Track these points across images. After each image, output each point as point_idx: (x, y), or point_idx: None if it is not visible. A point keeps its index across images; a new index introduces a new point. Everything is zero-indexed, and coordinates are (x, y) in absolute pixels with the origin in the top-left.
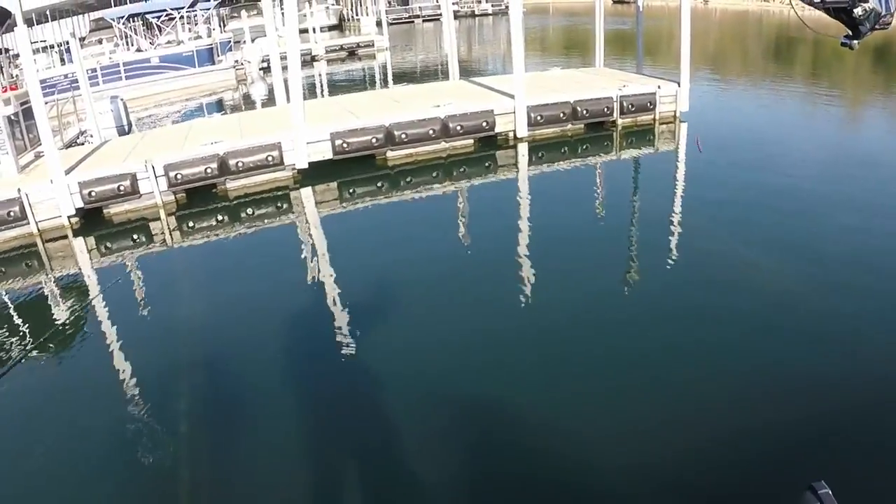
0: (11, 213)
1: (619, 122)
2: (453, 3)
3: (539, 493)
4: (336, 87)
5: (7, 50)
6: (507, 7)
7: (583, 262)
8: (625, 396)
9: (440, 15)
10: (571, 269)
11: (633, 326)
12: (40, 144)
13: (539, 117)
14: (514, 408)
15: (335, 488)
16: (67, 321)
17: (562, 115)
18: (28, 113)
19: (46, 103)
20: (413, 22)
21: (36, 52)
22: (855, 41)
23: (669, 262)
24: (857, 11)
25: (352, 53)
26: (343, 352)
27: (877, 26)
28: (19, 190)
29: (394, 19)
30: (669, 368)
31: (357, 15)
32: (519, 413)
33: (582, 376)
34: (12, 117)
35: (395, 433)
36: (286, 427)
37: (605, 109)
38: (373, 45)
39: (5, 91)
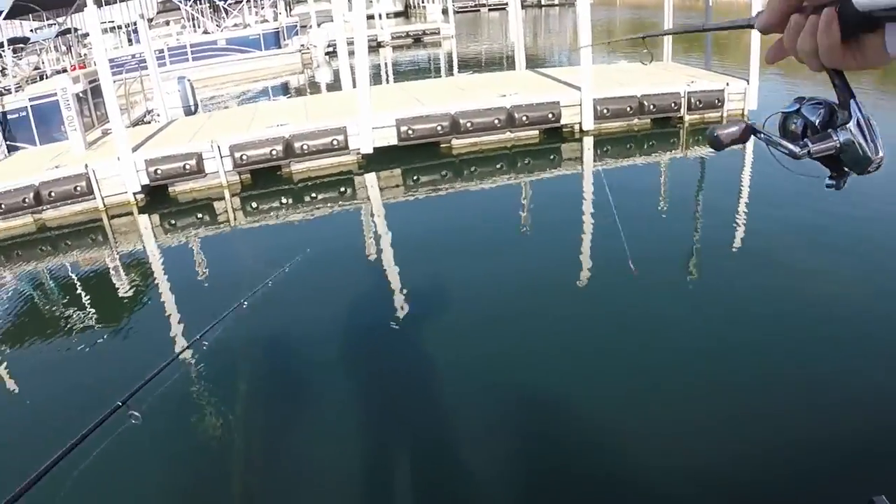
0: (78, 188)
1: (686, 118)
2: None
3: (590, 489)
4: (401, 74)
5: (76, 29)
6: None
7: (644, 258)
8: (682, 395)
9: (506, 4)
10: (633, 264)
11: (693, 325)
12: (107, 122)
13: (605, 110)
14: (569, 400)
15: (386, 467)
16: (128, 295)
17: (628, 109)
18: (96, 91)
19: (114, 82)
20: (479, 10)
21: (104, 32)
22: (843, 181)
23: (731, 263)
24: (843, 158)
25: (417, 40)
26: (400, 336)
27: (869, 169)
28: (86, 166)
29: (460, 7)
30: (728, 371)
31: (423, 2)
32: (574, 405)
33: (639, 372)
34: (81, 95)
35: (447, 418)
36: (340, 405)
37: (673, 105)
38: (438, 33)
39: (73, 69)
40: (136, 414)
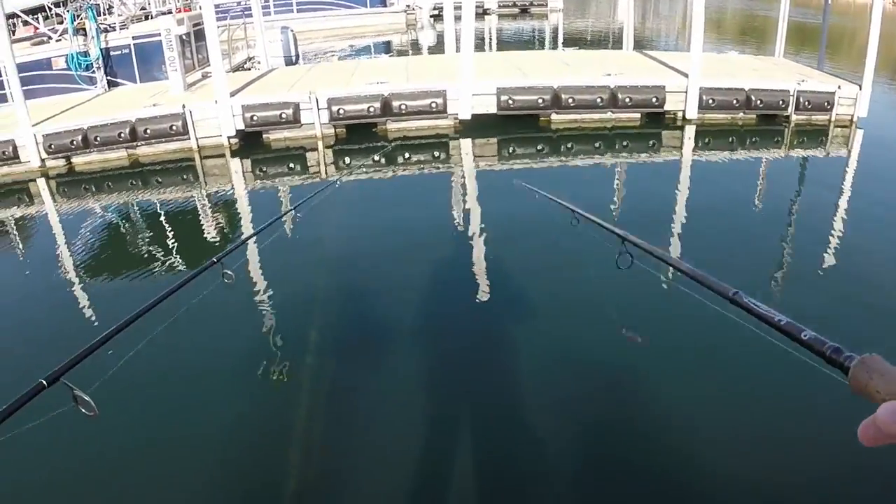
0: (174, 127)
1: (793, 118)
2: None
3: (662, 482)
4: (504, 43)
5: None
6: None
7: (734, 256)
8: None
9: None
10: (722, 260)
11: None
12: (208, 65)
13: (711, 101)
14: (645, 392)
15: (450, 434)
16: (213, 237)
17: (735, 101)
18: (199, 34)
19: (218, 27)
20: None
21: None
22: None
23: (819, 272)
24: None
25: (524, 11)
26: (476, 308)
27: None
28: (184, 106)
29: None
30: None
31: None
32: (652, 398)
33: (719, 371)
34: (184, 37)
35: (514, 397)
36: (410, 366)
37: (780, 102)
38: (546, 5)
39: (179, 12)
40: (230, 273)
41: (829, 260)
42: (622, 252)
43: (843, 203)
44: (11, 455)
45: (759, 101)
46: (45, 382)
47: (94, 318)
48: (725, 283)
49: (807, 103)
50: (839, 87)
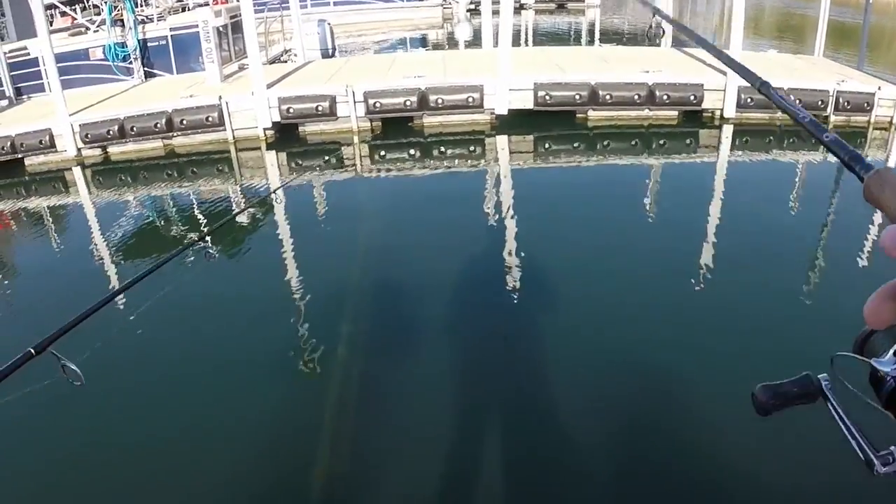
0: (210, 119)
1: (832, 118)
2: None
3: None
4: (541, 39)
5: None
6: None
7: (768, 256)
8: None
9: None
10: (752, 263)
11: (805, 335)
12: (245, 57)
13: (749, 100)
14: (672, 398)
15: (478, 430)
16: (247, 228)
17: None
18: (236, 26)
19: (255, 19)
20: None
21: None
22: None
23: (856, 272)
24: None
25: (561, 6)
26: (508, 304)
27: None
28: (220, 97)
29: None
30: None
31: None
32: (679, 398)
33: (751, 374)
34: (221, 29)
35: (541, 392)
36: (437, 362)
37: (820, 103)
38: (583, 1)
39: (216, 3)
40: (213, 252)
41: (866, 260)
42: (653, 25)
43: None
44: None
45: (797, 101)
46: (32, 351)
47: (126, 304)
48: (754, 73)
49: (846, 104)
50: (879, 88)
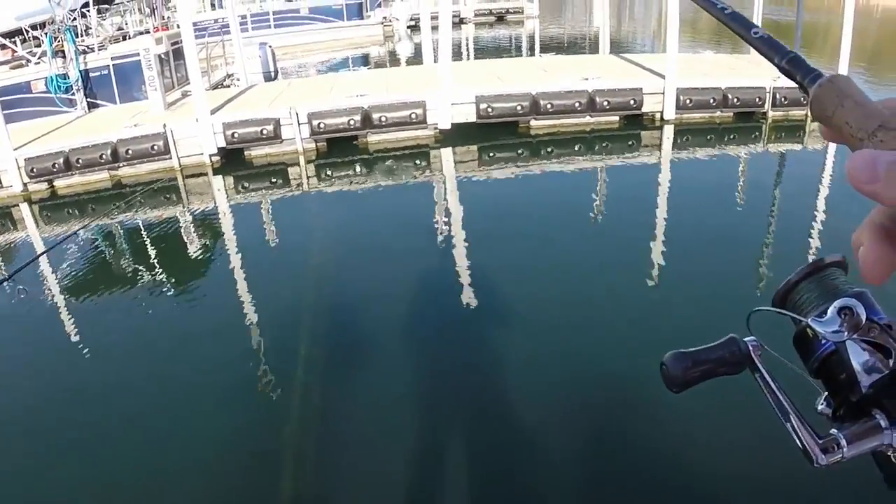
0: (156, 147)
1: (770, 114)
2: None
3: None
4: (482, 52)
5: None
6: None
7: (715, 250)
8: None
9: None
10: (701, 257)
11: (761, 328)
12: (187, 84)
13: (688, 101)
14: (635, 398)
15: (441, 446)
16: (198, 254)
17: (712, 100)
18: (178, 53)
19: (196, 45)
20: None
21: None
22: None
23: (802, 262)
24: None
25: (500, 19)
26: (461, 316)
27: None
28: (165, 126)
29: None
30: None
31: None
32: (640, 403)
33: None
34: (163, 56)
35: (499, 405)
36: (390, 380)
37: (757, 99)
38: (522, 12)
39: (156, 31)
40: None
41: (812, 249)
42: None
43: (822, 193)
44: None
45: (735, 99)
46: None
47: (79, 342)
48: None
49: (783, 99)
50: None
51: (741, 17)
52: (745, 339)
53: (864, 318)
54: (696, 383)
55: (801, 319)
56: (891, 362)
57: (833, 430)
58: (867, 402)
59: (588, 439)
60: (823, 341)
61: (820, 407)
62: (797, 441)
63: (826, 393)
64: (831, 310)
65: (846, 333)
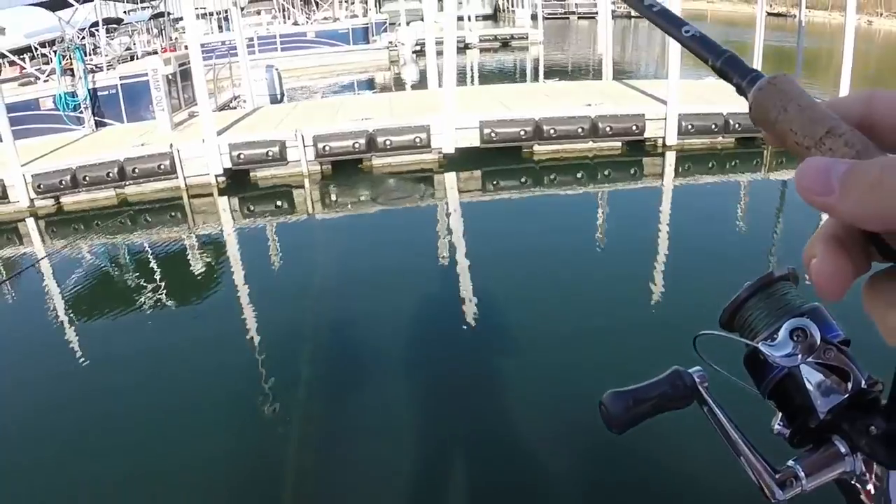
0: (162, 167)
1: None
2: (611, 3)
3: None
4: (487, 77)
5: (169, 13)
6: None
7: (717, 277)
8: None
9: (596, 13)
10: (705, 280)
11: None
12: (194, 104)
13: (690, 126)
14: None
15: (442, 470)
16: (202, 275)
17: (713, 126)
18: (185, 74)
19: (204, 67)
20: (568, 18)
21: (196, 18)
22: None
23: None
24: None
25: (505, 44)
26: (463, 340)
27: None
28: (171, 145)
29: (549, 14)
30: None
31: (512, 7)
32: (641, 435)
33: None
34: (170, 77)
35: (506, 424)
36: (392, 402)
37: None
38: (526, 38)
39: (164, 52)
40: None
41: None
42: None
43: (823, 220)
44: None
45: (737, 125)
46: None
47: (80, 359)
48: None
49: None
50: None
51: (670, 14)
52: (691, 370)
53: (818, 339)
54: (640, 422)
55: (750, 343)
56: (849, 385)
57: (790, 462)
58: (826, 427)
59: (585, 464)
60: (776, 365)
61: (776, 427)
62: (751, 477)
63: (781, 413)
64: (783, 331)
65: (800, 357)
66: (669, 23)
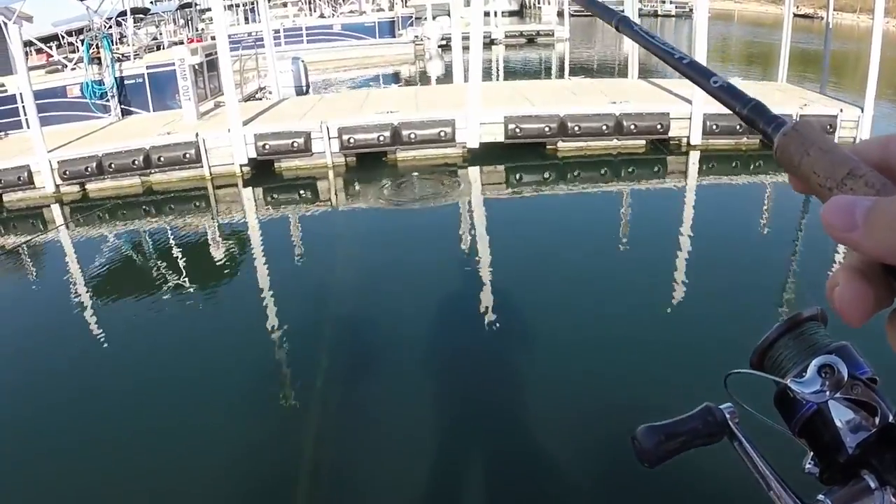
0: (187, 156)
1: None
2: (637, 1)
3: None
4: (511, 73)
5: (195, 4)
6: (690, 10)
7: (738, 278)
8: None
9: (622, 11)
10: (723, 287)
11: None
12: (220, 95)
13: (714, 126)
14: (651, 418)
15: (457, 467)
16: (224, 264)
17: (738, 126)
18: (212, 64)
19: (230, 57)
20: (594, 15)
21: (223, 9)
22: None
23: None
24: None
25: (531, 41)
26: (482, 334)
27: None
28: (197, 135)
29: (575, 11)
30: None
31: (539, 3)
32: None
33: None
34: (197, 67)
35: (519, 424)
36: (412, 390)
37: None
38: (552, 35)
39: (191, 42)
40: None
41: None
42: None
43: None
44: None
45: None
46: None
47: (100, 345)
48: (613, 10)
49: None
50: (841, 111)
51: (699, 66)
52: (722, 405)
53: (845, 375)
54: (672, 457)
55: (780, 381)
56: (876, 419)
57: (820, 496)
58: (854, 462)
59: (603, 470)
60: (805, 401)
61: (807, 467)
62: None
63: (812, 452)
64: (811, 368)
65: (828, 393)
66: (699, 74)
